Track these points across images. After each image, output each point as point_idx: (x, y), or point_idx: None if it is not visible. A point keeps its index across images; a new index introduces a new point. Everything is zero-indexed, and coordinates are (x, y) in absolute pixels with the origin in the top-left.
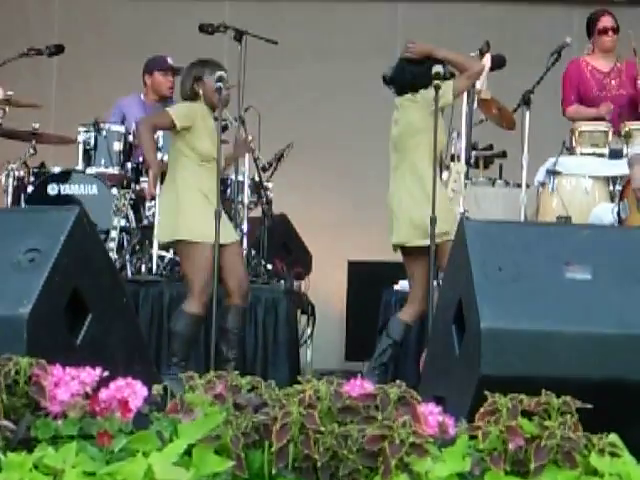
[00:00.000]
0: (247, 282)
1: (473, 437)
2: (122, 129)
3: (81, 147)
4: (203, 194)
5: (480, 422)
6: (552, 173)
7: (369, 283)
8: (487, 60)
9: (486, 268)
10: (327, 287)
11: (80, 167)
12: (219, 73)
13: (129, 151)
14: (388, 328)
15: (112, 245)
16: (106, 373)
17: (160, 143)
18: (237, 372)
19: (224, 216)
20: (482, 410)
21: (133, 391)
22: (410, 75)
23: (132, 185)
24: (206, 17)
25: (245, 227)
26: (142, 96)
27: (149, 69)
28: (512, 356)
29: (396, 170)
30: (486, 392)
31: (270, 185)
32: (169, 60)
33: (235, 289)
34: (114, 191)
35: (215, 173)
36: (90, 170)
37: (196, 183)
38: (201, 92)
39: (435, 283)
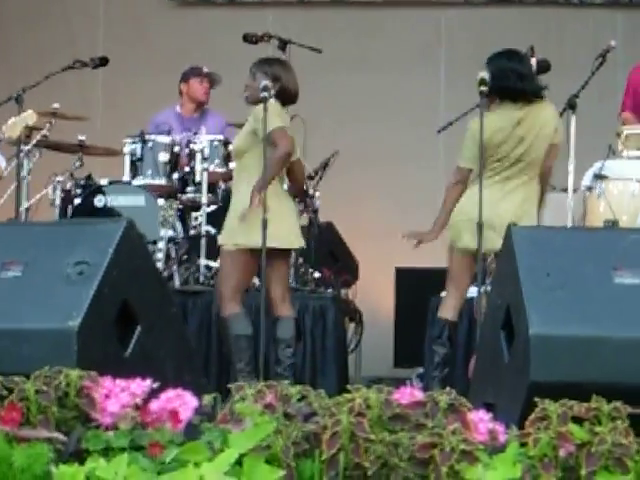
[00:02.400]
0: None
1: (523, 444)
2: (168, 140)
3: (127, 158)
4: None
5: (530, 428)
6: (599, 177)
7: (417, 290)
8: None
9: (534, 274)
10: (375, 294)
11: (127, 178)
12: (264, 82)
13: (175, 162)
14: (441, 335)
15: (160, 256)
16: (156, 384)
17: (206, 154)
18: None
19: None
20: (532, 416)
21: (183, 402)
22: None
23: (179, 196)
24: (250, 27)
25: None
26: (178, 108)
27: (185, 77)
28: (561, 362)
29: (509, 181)
30: (536, 398)
31: (317, 193)
32: (205, 68)
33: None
34: (161, 202)
35: None
36: (137, 181)
37: None
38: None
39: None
